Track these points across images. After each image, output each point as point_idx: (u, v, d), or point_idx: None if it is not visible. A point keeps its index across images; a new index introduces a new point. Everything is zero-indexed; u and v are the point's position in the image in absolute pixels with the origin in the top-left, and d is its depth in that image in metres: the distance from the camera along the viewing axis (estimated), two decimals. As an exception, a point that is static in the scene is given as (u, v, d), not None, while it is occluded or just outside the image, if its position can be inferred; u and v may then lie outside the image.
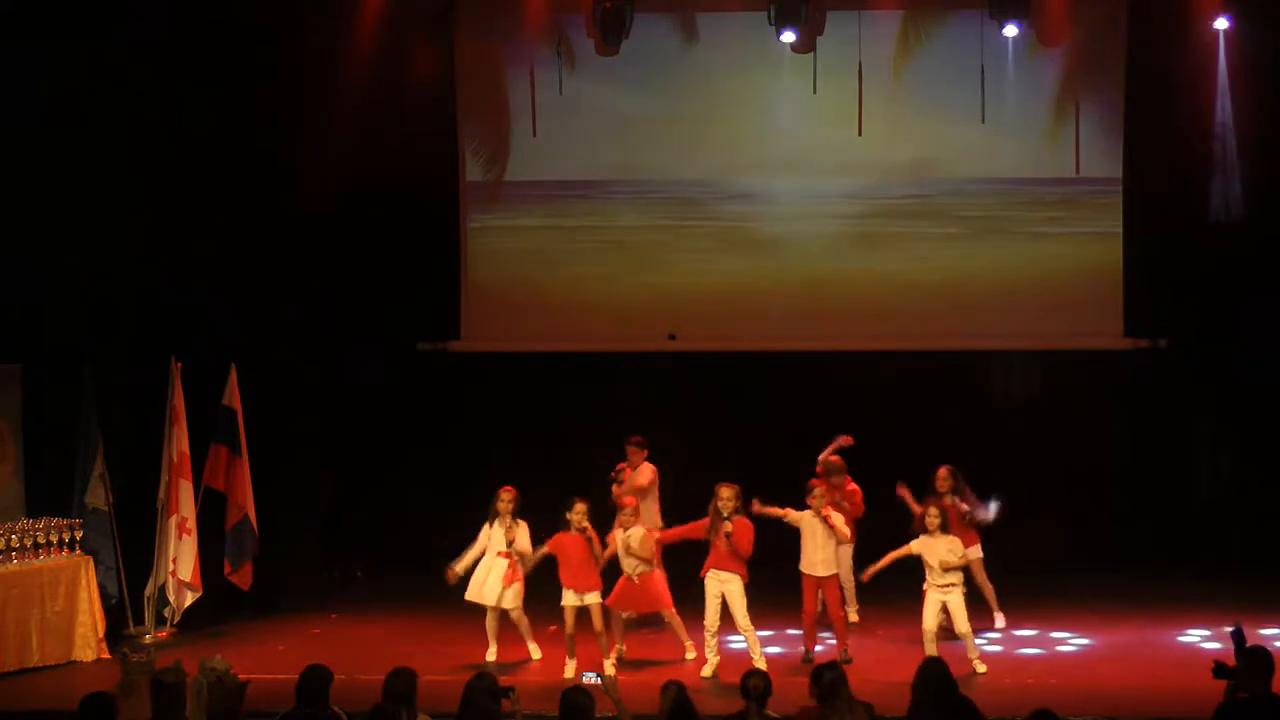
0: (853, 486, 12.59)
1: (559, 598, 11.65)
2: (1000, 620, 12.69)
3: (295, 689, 8.10)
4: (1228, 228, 14.84)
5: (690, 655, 11.78)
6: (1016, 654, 12.03)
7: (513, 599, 11.82)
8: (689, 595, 11.84)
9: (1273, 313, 14.78)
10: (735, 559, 11.33)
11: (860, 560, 12.44)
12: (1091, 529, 15.02)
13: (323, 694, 8.06)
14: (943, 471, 12.44)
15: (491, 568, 11.83)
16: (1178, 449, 15.03)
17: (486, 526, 11.85)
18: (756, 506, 11.51)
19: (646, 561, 11.67)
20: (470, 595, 11.91)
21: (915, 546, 11.48)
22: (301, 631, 13.17)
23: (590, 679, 8.08)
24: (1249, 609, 12.14)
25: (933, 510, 11.58)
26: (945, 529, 11.54)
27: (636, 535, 11.67)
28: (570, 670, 11.38)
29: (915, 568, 11.83)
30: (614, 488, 12.72)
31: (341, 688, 8.36)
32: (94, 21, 13.21)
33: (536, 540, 11.83)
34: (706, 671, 11.33)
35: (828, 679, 7.87)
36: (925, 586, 11.48)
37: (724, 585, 11.39)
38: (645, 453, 12.99)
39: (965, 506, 12.34)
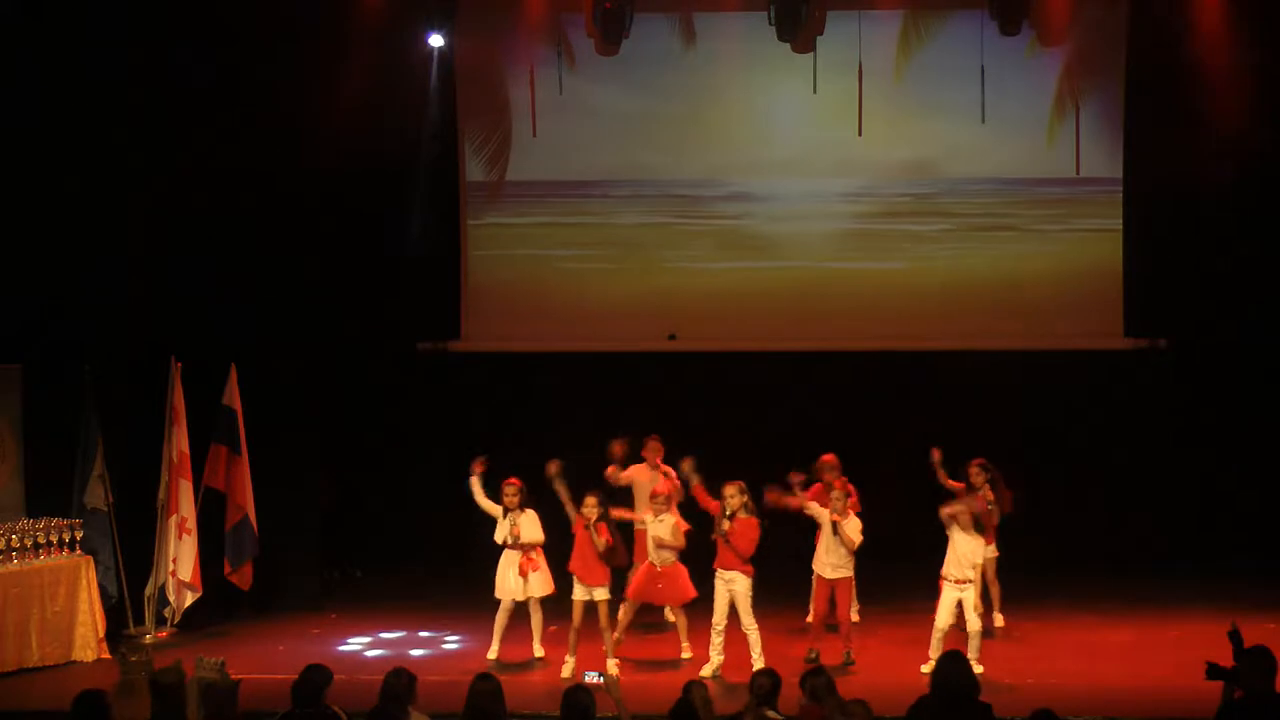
0: (848, 488, 12.57)
1: (565, 591, 11.67)
2: (999, 620, 12.69)
3: (291, 689, 8.10)
4: (1228, 228, 14.84)
5: (686, 655, 11.80)
6: (1016, 654, 12.03)
7: (537, 587, 11.86)
8: (700, 593, 11.86)
9: (1273, 313, 14.79)
10: (738, 557, 11.35)
11: (861, 560, 12.44)
12: (1091, 528, 15.02)
13: (319, 694, 8.06)
14: (974, 466, 12.43)
15: (508, 564, 11.89)
16: (1178, 449, 15.03)
17: (501, 510, 11.89)
18: (773, 497, 11.47)
19: (675, 551, 11.69)
20: (498, 594, 11.95)
21: (952, 527, 11.47)
22: (301, 631, 13.17)
23: (592, 678, 8.07)
24: (1249, 609, 12.15)
25: (962, 509, 11.56)
26: (978, 528, 11.52)
27: (669, 524, 11.70)
28: (569, 668, 11.39)
29: (916, 569, 11.85)
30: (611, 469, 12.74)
31: (341, 688, 8.36)
32: (94, 23, 13.22)
33: (548, 527, 11.89)
34: (707, 671, 11.33)
35: (809, 685, 7.95)
36: (942, 575, 11.46)
37: (729, 585, 11.39)
38: (663, 451, 12.98)
39: (990, 496, 12.31)
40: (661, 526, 11.71)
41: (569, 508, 11.59)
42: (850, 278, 15.48)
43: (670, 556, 11.72)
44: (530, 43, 15.27)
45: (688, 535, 11.93)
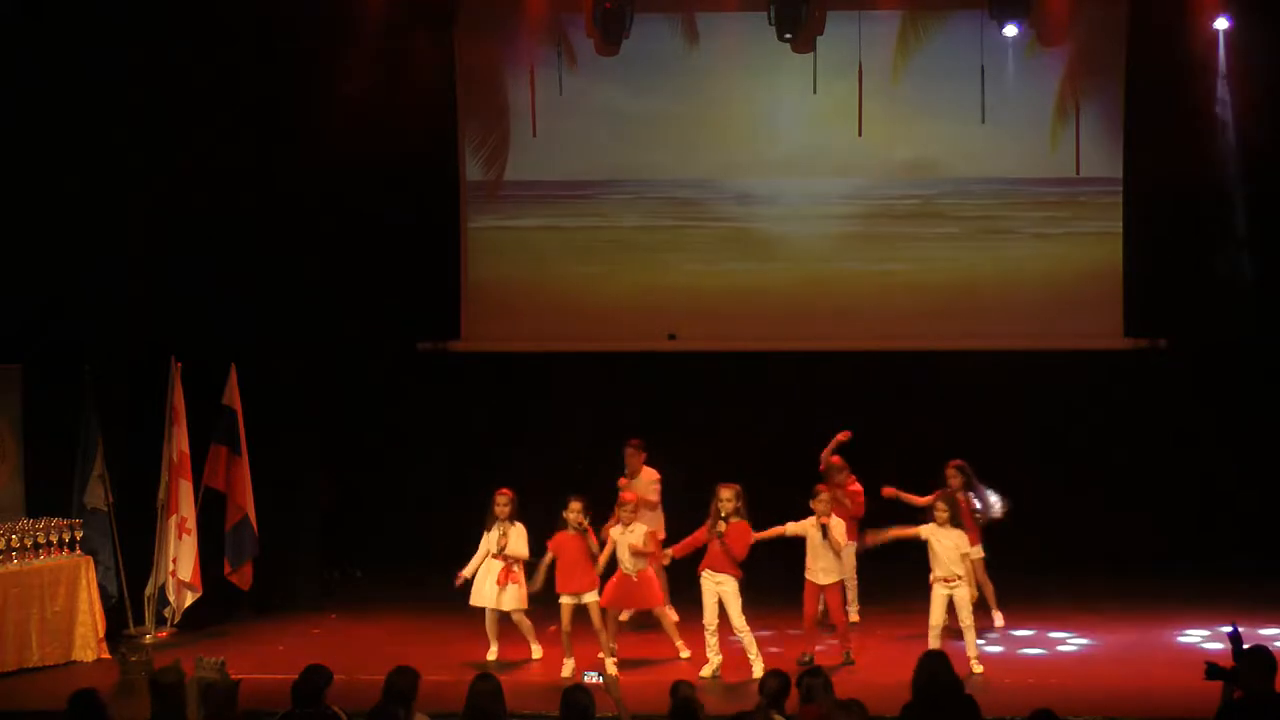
0: (855, 487, 12.60)
1: (556, 595, 11.66)
2: (999, 619, 12.69)
3: (291, 689, 8.10)
4: (1228, 228, 14.85)
5: (684, 654, 11.79)
6: (1016, 654, 12.03)
7: (511, 601, 11.81)
8: (690, 595, 11.85)
9: (1273, 313, 14.78)
10: (729, 560, 11.33)
11: (863, 559, 12.47)
12: (1091, 529, 15.01)
13: (319, 694, 8.06)
14: (951, 468, 12.44)
15: (488, 571, 11.85)
16: (1178, 449, 15.02)
17: (486, 533, 11.87)
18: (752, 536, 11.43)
19: (646, 558, 11.67)
20: (473, 600, 11.94)
21: (924, 532, 11.47)
22: (301, 631, 13.18)
23: (592, 678, 8.07)
24: (1248, 609, 12.16)
25: (940, 504, 11.57)
26: (955, 522, 11.52)
27: (639, 533, 11.66)
28: (568, 669, 11.39)
29: (916, 568, 11.85)
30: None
31: (341, 688, 8.36)
32: (94, 23, 13.22)
33: (535, 543, 11.86)
34: (706, 671, 11.31)
35: (805, 685, 7.96)
36: (931, 579, 11.48)
37: (719, 586, 11.37)
38: (644, 456, 12.97)
39: (976, 504, 12.33)
40: (634, 535, 11.65)
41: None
42: (850, 278, 15.47)
43: (643, 563, 11.68)
44: (530, 43, 15.26)
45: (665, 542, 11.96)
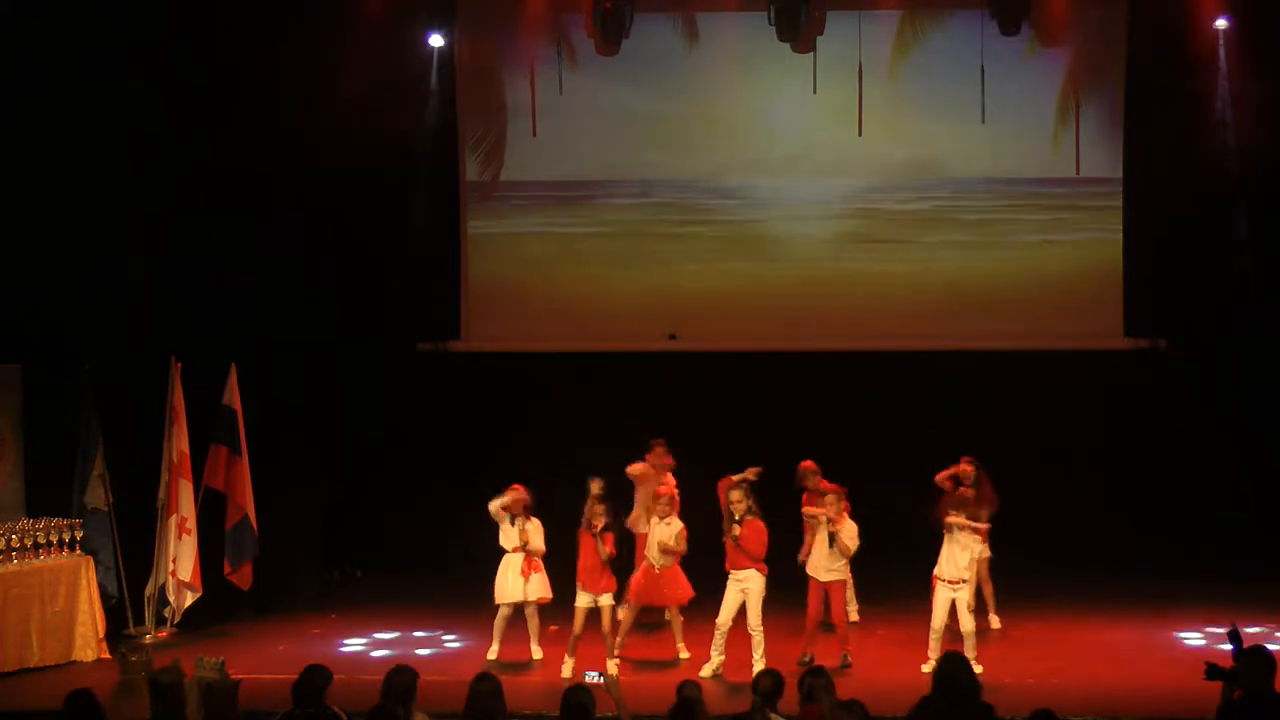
0: (826, 487, 12.52)
1: (567, 596, 11.67)
2: (995, 622, 12.69)
3: (291, 689, 8.10)
4: (1228, 228, 14.84)
5: (684, 655, 11.82)
6: (1016, 654, 12.03)
7: (536, 590, 11.91)
8: (699, 594, 11.85)
9: (1273, 313, 14.78)
10: (750, 556, 11.35)
11: (860, 560, 12.42)
12: (1091, 529, 15.01)
13: (319, 694, 8.06)
14: (965, 461, 12.40)
15: (509, 565, 11.92)
16: (1177, 449, 15.02)
17: (509, 526, 11.92)
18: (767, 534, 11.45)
19: (675, 555, 11.70)
20: (498, 599, 11.99)
21: (952, 521, 11.44)
22: (301, 631, 13.18)
23: (592, 678, 8.06)
24: (1247, 609, 12.16)
25: (969, 500, 11.58)
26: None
27: (676, 529, 11.70)
28: (569, 669, 11.39)
29: (915, 568, 11.86)
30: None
31: (341, 688, 8.36)
32: (93, 22, 13.22)
33: (549, 539, 11.93)
34: (707, 671, 11.33)
35: (807, 685, 7.97)
36: (935, 576, 11.47)
37: (743, 584, 11.40)
38: (669, 461, 12.96)
39: (970, 494, 12.32)
40: (667, 530, 11.71)
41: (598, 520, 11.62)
42: (850, 277, 15.48)
43: (670, 560, 11.72)
44: (530, 42, 15.27)
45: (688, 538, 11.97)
